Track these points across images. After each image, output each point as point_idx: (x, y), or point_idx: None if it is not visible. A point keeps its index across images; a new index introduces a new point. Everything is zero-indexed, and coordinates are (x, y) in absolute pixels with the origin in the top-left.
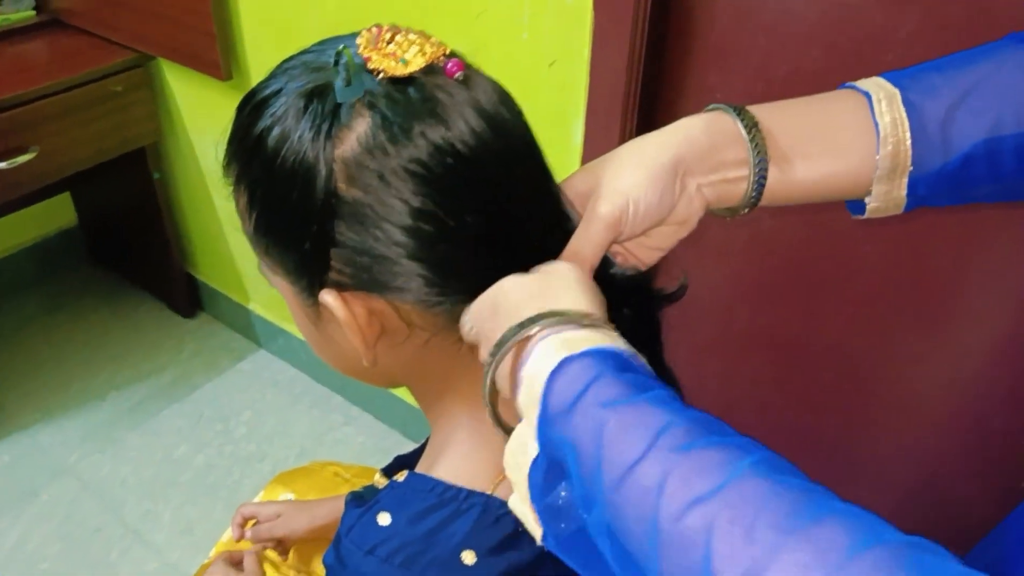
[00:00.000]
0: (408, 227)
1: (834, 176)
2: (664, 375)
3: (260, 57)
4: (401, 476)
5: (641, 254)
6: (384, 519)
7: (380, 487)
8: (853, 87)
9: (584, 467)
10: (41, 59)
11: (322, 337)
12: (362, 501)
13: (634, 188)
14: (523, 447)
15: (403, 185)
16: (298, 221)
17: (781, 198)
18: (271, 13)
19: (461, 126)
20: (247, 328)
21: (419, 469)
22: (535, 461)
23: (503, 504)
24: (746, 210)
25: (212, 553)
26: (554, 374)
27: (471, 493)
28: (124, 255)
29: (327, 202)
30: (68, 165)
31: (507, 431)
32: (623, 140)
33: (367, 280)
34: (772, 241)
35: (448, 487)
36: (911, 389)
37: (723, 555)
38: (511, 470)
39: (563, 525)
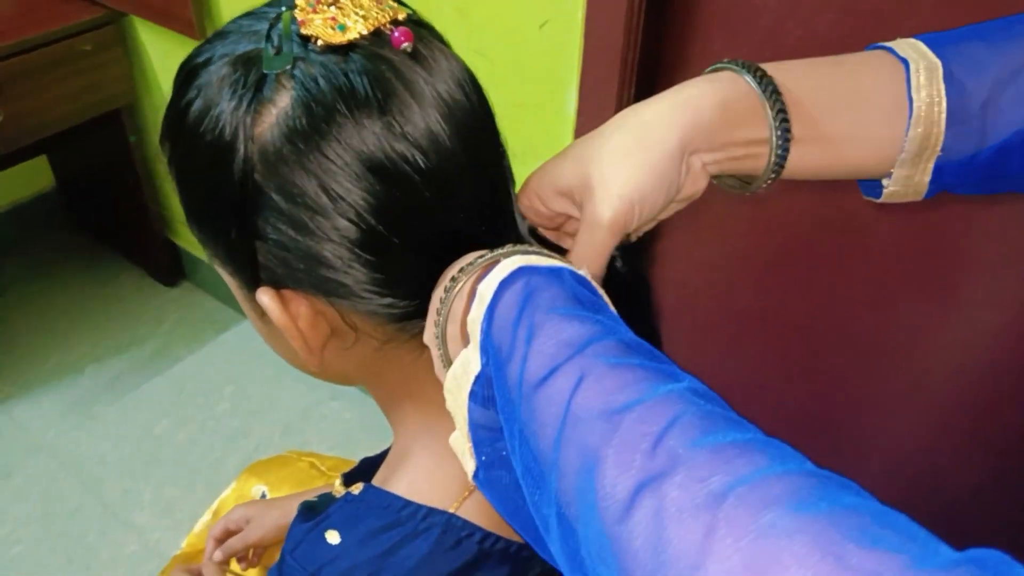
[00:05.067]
0: (335, 228)
1: (858, 157)
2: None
3: (235, 14)
4: (357, 488)
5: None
6: (333, 537)
7: (337, 496)
8: (889, 50)
9: (510, 373)
10: (4, 15)
11: (270, 333)
12: (313, 514)
13: (638, 187)
14: (465, 367)
15: (327, 179)
16: (219, 208)
17: (797, 175)
18: None
19: (410, 115)
20: (231, 298)
21: (376, 481)
22: (477, 378)
23: (465, 525)
24: (759, 188)
25: (183, 543)
26: (506, 281)
27: (431, 511)
28: (103, 221)
29: (245, 189)
30: (37, 128)
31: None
32: (620, 109)
33: (301, 279)
34: (776, 219)
35: (406, 504)
36: (920, 373)
37: (617, 464)
38: (451, 395)
39: (499, 472)
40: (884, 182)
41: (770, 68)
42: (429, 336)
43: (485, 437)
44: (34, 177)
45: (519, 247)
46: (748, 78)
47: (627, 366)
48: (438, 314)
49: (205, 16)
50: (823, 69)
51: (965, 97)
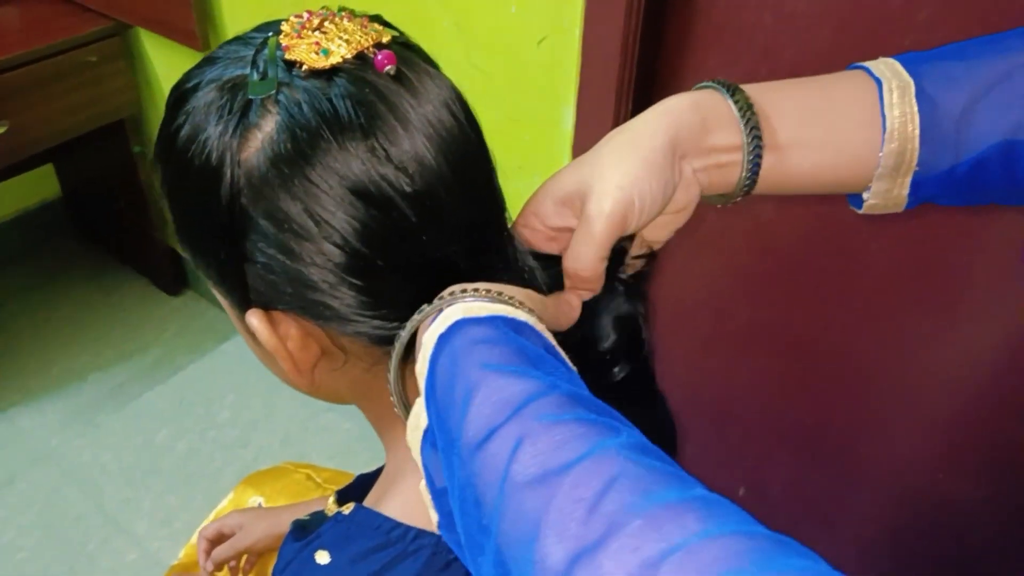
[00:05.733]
0: (321, 253)
1: (833, 168)
2: (656, 401)
3: (239, 27)
4: (348, 508)
5: (633, 251)
6: (323, 558)
7: (329, 515)
8: (864, 69)
9: (451, 433)
10: (11, 27)
11: (262, 353)
12: (304, 533)
13: (636, 181)
14: (417, 419)
15: (312, 203)
16: (208, 231)
17: (775, 187)
18: None
19: (394, 138)
20: None
21: (368, 502)
22: (426, 433)
23: None
24: (739, 198)
25: (181, 554)
26: (445, 336)
27: (420, 533)
28: (108, 229)
29: (233, 213)
30: (42, 139)
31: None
32: (617, 125)
33: (289, 301)
34: (773, 235)
35: (396, 525)
36: (918, 387)
37: (555, 532)
38: (412, 447)
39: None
40: (864, 195)
41: (744, 86)
42: (392, 377)
43: (441, 489)
44: (39, 186)
45: (464, 291)
46: (721, 90)
47: (565, 422)
48: (393, 358)
49: (209, 28)
50: (797, 85)
51: (939, 114)
